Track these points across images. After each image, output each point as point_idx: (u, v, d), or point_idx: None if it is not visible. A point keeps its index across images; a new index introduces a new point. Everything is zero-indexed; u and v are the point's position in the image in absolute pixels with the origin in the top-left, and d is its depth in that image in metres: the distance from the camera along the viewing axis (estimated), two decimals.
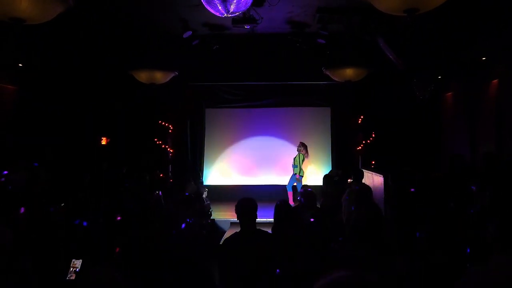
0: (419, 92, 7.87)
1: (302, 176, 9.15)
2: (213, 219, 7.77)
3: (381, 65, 7.76)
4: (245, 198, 3.45)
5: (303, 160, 9.14)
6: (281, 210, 3.84)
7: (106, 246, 3.39)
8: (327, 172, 8.99)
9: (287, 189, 9.16)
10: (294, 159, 9.23)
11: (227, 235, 6.93)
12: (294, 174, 9.15)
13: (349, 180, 7.34)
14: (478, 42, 6.68)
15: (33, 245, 2.98)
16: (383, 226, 2.70)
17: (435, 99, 8.98)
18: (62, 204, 4.41)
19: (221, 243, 6.25)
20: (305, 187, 5.76)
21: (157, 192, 7.10)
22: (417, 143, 9.28)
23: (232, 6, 4.29)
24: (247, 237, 3.29)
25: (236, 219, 3.40)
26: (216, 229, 7.62)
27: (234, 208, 3.39)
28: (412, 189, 4.98)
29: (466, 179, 4.27)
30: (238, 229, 3.46)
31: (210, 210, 7.77)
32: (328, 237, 3.69)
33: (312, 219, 4.19)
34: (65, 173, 7.56)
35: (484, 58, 7.24)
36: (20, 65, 8.00)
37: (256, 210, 3.37)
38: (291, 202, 8.68)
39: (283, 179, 10.15)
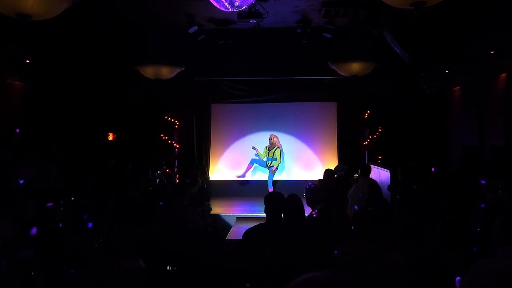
0: (426, 86, 7.80)
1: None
2: (215, 214, 7.74)
3: (387, 59, 7.70)
4: (275, 193, 3.52)
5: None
6: (292, 204, 3.85)
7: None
8: (332, 167, 8.97)
9: (269, 186, 9.14)
10: (274, 153, 9.27)
11: (233, 230, 6.94)
12: (271, 167, 9.21)
13: (355, 175, 7.31)
14: (486, 36, 6.59)
15: (38, 239, 3.01)
16: (392, 222, 2.68)
17: (442, 93, 8.90)
18: (72, 198, 4.44)
19: (229, 236, 6.27)
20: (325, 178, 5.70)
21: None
22: (424, 138, 9.21)
23: (237, 0, 4.28)
24: (271, 230, 3.33)
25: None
26: (220, 224, 7.62)
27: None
28: (414, 186, 4.96)
29: (477, 172, 4.24)
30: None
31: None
32: (334, 232, 3.69)
33: (317, 213, 4.18)
34: (73, 168, 7.63)
35: (492, 52, 7.16)
36: (27, 61, 8.05)
37: (284, 206, 3.44)
38: None
39: (289, 174, 10.15)
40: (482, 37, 6.67)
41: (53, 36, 7.02)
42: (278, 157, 9.31)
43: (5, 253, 2.30)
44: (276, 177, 9.85)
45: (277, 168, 9.32)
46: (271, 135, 9.51)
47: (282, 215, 3.62)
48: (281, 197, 3.54)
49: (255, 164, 9.71)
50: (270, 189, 8.98)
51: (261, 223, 3.52)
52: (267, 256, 3.09)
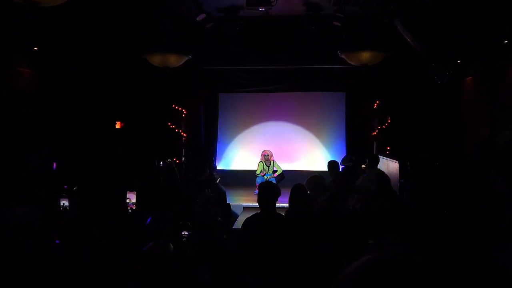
0: (437, 76, 7.69)
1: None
2: (229, 204, 7.78)
3: (398, 48, 7.59)
4: (267, 183, 3.51)
5: None
6: (298, 193, 3.85)
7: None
8: (341, 157, 8.93)
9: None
10: (269, 168, 8.91)
11: (239, 219, 6.97)
12: (271, 175, 8.89)
13: (362, 166, 7.29)
14: (500, 25, 6.46)
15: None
16: (404, 215, 2.67)
17: (453, 84, 8.79)
18: (75, 188, 4.51)
19: (234, 226, 6.34)
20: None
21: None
22: (435, 129, 9.12)
23: None
24: (266, 219, 3.35)
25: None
26: (230, 214, 7.64)
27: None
28: (408, 186, 4.91)
29: (489, 165, 4.20)
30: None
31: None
32: (341, 223, 3.70)
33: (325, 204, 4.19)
34: (81, 158, 7.70)
35: (505, 42, 7.03)
36: (36, 48, 8.07)
37: (277, 196, 3.44)
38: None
39: (296, 165, 10.14)
40: (495, 26, 6.54)
41: (61, 24, 7.02)
42: (278, 168, 9.07)
43: (28, 239, 2.37)
44: (283, 168, 9.84)
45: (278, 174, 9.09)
46: (266, 151, 8.98)
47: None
48: (273, 187, 3.53)
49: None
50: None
51: (257, 213, 3.53)
52: (261, 246, 3.13)
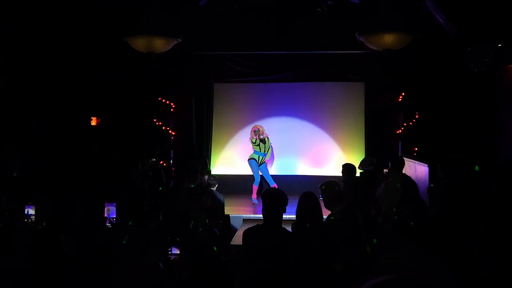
0: (474, 63, 7.70)
1: None
2: (228, 215, 7.80)
3: (428, 30, 7.60)
4: (273, 190, 3.53)
5: None
6: (308, 203, 3.86)
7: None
8: (359, 160, 8.95)
9: (270, 182, 9.01)
10: (265, 145, 9.12)
11: (238, 234, 6.99)
12: (265, 163, 9.11)
13: (384, 170, 7.29)
14: None
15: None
16: (432, 226, 2.69)
17: (493, 72, 8.79)
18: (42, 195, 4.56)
19: (233, 241, 6.39)
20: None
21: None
22: (470, 126, 9.13)
23: None
24: (269, 232, 3.36)
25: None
26: (228, 227, 7.66)
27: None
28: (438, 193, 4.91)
29: None
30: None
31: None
32: (359, 235, 3.71)
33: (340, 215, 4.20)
34: (49, 159, 7.73)
35: None
36: None
37: (285, 205, 3.46)
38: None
39: (305, 168, 10.14)
40: None
41: (30, 4, 7.05)
42: (269, 147, 9.24)
43: None
44: (289, 172, 9.85)
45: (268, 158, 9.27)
46: (256, 126, 9.17)
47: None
48: (280, 194, 3.56)
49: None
50: (274, 185, 8.91)
51: (259, 224, 3.56)
52: (263, 263, 3.16)
